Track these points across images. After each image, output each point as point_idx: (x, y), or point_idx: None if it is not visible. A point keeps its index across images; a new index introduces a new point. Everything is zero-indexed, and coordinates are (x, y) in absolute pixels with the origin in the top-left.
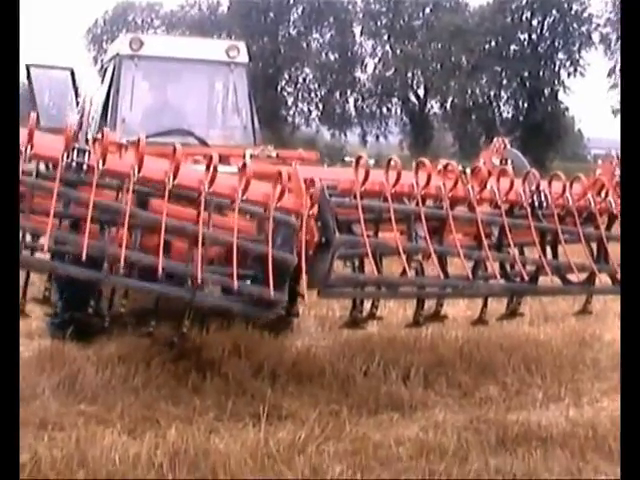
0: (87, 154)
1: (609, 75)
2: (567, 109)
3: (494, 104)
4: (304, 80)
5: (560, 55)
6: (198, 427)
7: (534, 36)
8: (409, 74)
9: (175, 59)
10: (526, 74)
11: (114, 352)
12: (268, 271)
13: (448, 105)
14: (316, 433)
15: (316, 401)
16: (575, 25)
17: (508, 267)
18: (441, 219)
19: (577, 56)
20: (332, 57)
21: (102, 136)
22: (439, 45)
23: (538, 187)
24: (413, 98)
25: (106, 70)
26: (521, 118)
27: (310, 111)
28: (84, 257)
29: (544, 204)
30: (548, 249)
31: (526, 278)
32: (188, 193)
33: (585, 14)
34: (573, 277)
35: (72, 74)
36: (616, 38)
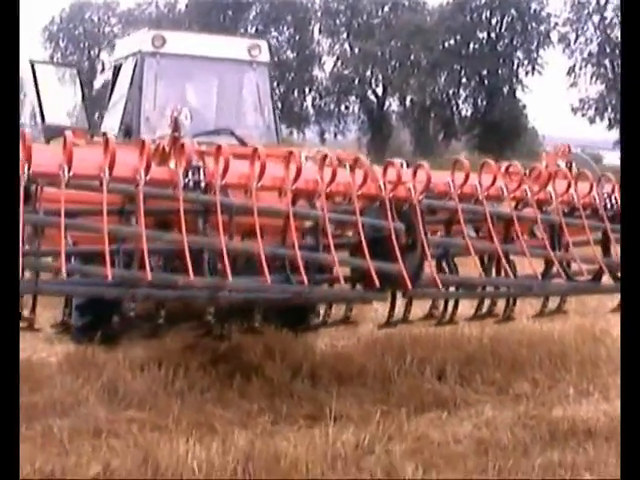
0: (202, 171)
1: (568, 74)
2: (525, 107)
3: (453, 102)
4: None
5: (519, 54)
6: (257, 431)
7: (493, 35)
8: (368, 72)
9: (198, 57)
10: (485, 72)
11: (144, 355)
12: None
13: (407, 103)
14: (379, 433)
15: (361, 401)
16: (533, 24)
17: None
18: (507, 219)
19: (535, 55)
20: (290, 55)
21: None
22: (398, 43)
23: (614, 190)
24: (372, 96)
25: (119, 67)
26: (479, 116)
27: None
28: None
29: (614, 206)
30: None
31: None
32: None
33: (543, 13)
34: None
35: (78, 72)
36: (575, 37)
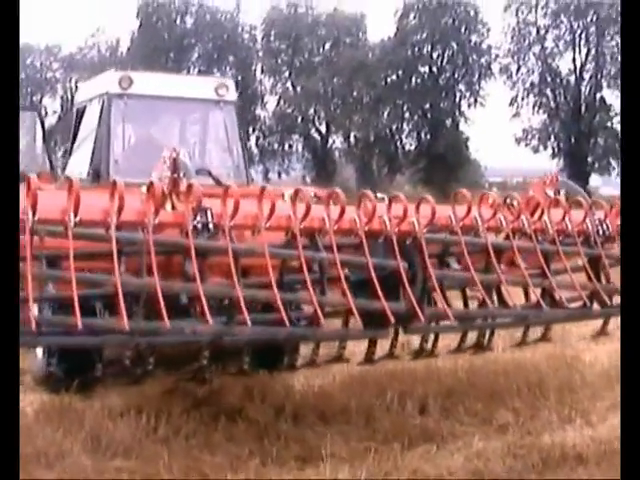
0: (210, 213)
1: (511, 104)
2: (468, 139)
3: (396, 137)
4: None
5: (461, 86)
6: (249, 475)
7: (435, 68)
8: (311, 110)
9: (166, 97)
10: (428, 106)
11: (122, 403)
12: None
13: (351, 140)
14: (375, 470)
15: (347, 439)
16: (474, 56)
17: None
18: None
19: (477, 87)
20: None
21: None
22: (340, 80)
23: (606, 216)
24: (315, 134)
25: (82, 110)
26: (423, 150)
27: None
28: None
29: (606, 232)
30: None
31: (588, 304)
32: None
33: (484, 45)
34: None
35: (39, 114)
36: (517, 68)
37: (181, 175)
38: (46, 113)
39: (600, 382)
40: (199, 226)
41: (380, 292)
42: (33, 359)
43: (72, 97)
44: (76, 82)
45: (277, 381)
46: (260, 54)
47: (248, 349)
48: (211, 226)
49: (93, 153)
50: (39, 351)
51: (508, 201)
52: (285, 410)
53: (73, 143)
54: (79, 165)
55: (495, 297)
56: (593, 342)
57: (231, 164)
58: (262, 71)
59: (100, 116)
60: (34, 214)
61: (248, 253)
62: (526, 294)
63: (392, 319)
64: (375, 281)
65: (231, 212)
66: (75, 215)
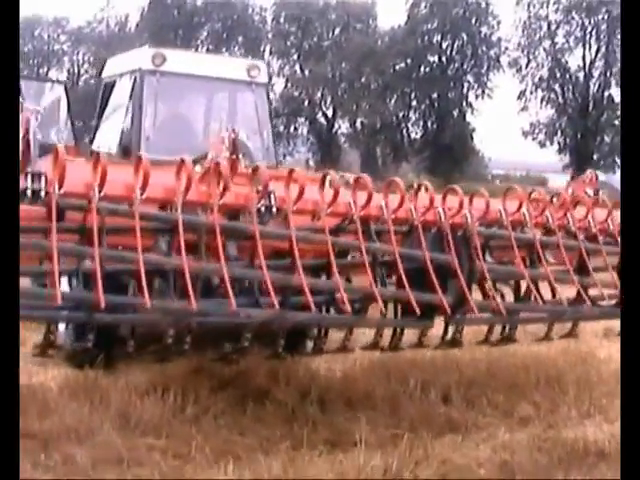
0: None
1: (519, 98)
2: (474, 130)
3: (403, 125)
4: None
5: (469, 77)
6: (282, 458)
7: (444, 58)
8: (318, 94)
9: (198, 76)
10: (435, 95)
11: (146, 381)
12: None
13: (357, 125)
14: (405, 458)
15: (375, 425)
16: (484, 48)
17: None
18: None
19: (485, 79)
20: None
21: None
22: (349, 66)
23: None
24: (321, 118)
25: (111, 85)
26: (429, 139)
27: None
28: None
29: None
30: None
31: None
32: None
33: (494, 38)
34: None
35: (65, 88)
36: (526, 62)
37: (240, 156)
38: (52, 86)
39: (615, 379)
40: (262, 209)
41: (431, 283)
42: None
43: (79, 70)
44: (84, 55)
45: (300, 365)
46: (269, 36)
47: (283, 333)
48: (274, 210)
49: (123, 129)
50: (61, 325)
51: (555, 198)
52: (311, 394)
53: (100, 118)
54: (107, 140)
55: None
56: (605, 339)
57: (261, 145)
58: (270, 53)
59: (132, 92)
60: (60, 187)
61: (310, 240)
62: (552, 289)
63: (449, 310)
64: (431, 272)
65: (295, 196)
66: (142, 192)
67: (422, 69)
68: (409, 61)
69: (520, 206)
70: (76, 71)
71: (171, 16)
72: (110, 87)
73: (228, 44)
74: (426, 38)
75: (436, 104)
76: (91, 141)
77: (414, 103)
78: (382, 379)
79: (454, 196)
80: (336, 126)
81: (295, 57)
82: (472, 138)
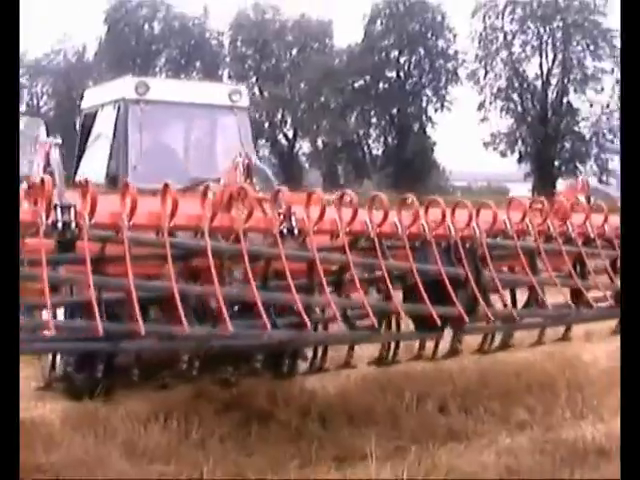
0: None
1: (478, 109)
2: (435, 144)
3: (364, 142)
4: None
5: (427, 91)
6: (294, 476)
7: (402, 74)
8: (278, 116)
9: (181, 103)
10: (395, 111)
11: (146, 408)
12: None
13: (318, 145)
14: (415, 469)
15: (378, 438)
16: (441, 61)
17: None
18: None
19: (443, 92)
20: None
21: None
22: (308, 86)
23: None
24: (282, 139)
25: (93, 115)
26: (390, 154)
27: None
28: None
29: None
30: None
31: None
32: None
33: (450, 51)
34: None
35: (45, 123)
36: (484, 73)
37: (254, 180)
38: None
39: (603, 380)
40: (284, 231)
41: (447, 295)
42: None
43: (38, 103)
44: (42, 87)
45: (295, 384)
46: (227, 59)
47: (288, 353)
48: (296, 231)
49: (110, 159)
50: (47, 359)
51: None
52: (311, 412)
53: (82, 149)
54: (91, 170)
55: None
56: (588, 342)
57: None
58: (229, 77)
59: (116, 121)
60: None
61: (331, 260)
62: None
63: (467, 319)
64: (447, 285)
65: (317, 217)
66: (171, 220)
67: (381, 85)
68: (367, 78)
69: (524, 216)
70: (35, 104)
71: (129, 45)
72: (91, 117)
73: (186, 70)
74: (383, 54)
75: (396, 119)
76: (74, 172)
77: (374, 120)
78: (377, 394)
79: (463, 209)
80: (297, 146)
81: (254, 80)
82: (433, 151)
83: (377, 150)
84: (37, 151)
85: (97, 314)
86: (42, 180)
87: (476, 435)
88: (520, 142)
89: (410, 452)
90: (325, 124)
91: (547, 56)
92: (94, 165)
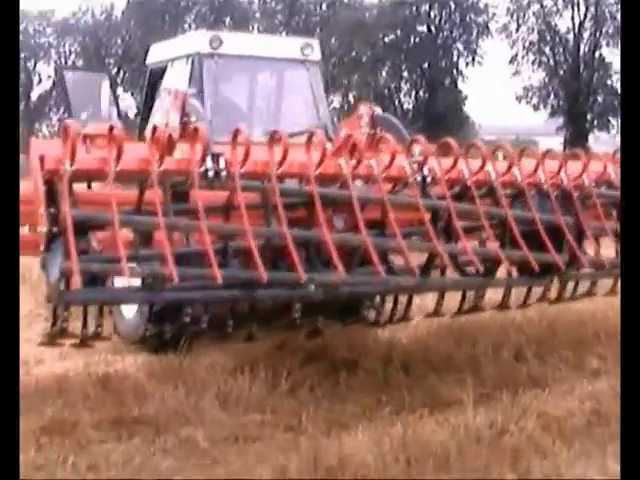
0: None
1: (511, 62)
2: (466, 98)
3: (395, 96)
4: None
5: (458, 45)
6: (387, 422)
7: (432, 28)
8: None
9: (253, 57)
10: (426, 65)
11: (229, 360)
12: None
13: (349, 99)
14: (508, 413)
15: (463, 386)
16: (472, 15)
17: None
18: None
19: (474, 46)
20: None
21: None
22: (338, 40)
23: None
24: None
25: (162, 70)
26: (422, 109)
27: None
28: None
29: None
30: None
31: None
32: None
33: (481, 4)
34: None
35: (110, 77)
36: (516, 27)
37: (377, 130)
38: (40, 79)
39: None
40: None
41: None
42: (120, 320)
43: (66, 62)
44: (70, 46)
45: (370, 335)
46: (257, 15)
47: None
48: (429, 179)
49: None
50: (128, 312)
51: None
52: (393, 361)
53: (149, 104)
54: (162, 125)
55: None
56: None
57: (318, 122)
58: (259, 32)
59: (190, 76)
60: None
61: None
62: None
63: (563, 268)
64: (568, 235)
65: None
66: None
67: (412, 40)
68: (398, 32)
69: (605, 167)
70: (63, 62)
71: (157, 1)
72: (158, 73)
73: (216, 26)
74: (414, 8)
75: (427, 74)
76: (142, 127)
77: (405, 74)
78: (451, 343)
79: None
80: (329, 100)
81: (284, 35)
82: (464, 105)
83: (408, 104)
84: (172, 102)
85: (259, 262)
86: (196, 129)
87: (555, 382)
88: (552, 96)
89: (496, 398)
90: (356, 78)
91: (579, 9)
92: (164, 120)
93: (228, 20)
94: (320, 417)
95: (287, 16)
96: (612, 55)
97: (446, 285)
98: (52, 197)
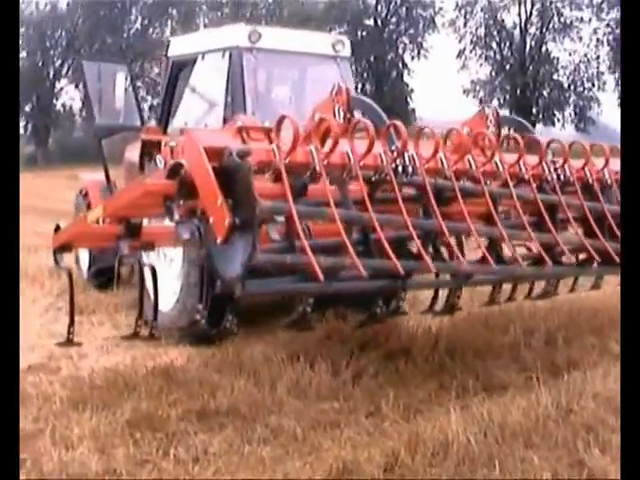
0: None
1: (458, 56)
2: (412, 91)
3: None
4: (149, 74)
5: (404, 39)
6: (456, 406)
7: (379, 21)
8: None
9: (289, 52)
10: (372, 59)
11: (282, 350)
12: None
13: None
14: (570, 393)
15: (510, 370)
16: (418, 10)
17: None
18: None
19: (420, 39)
20: None
21: None
22: None
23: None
24: None
25: (192, 63)
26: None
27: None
28: None
29: None
30: None
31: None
32: None
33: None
34: None
35: (128, 69)
36: (463, 22)
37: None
38: None
39: None
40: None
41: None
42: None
43: None
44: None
45: (406, 325)
46: (204, 7)
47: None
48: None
49: (225, 107)
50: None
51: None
52: (439, 348)
53: (169, 97)
54: (194, 119)
55: None
56: None
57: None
58: (205, 26)
59: (229, 70)
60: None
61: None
62: None
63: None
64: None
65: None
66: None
67: (359, 33)
68: (346, 26)
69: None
70: None
71: None
72: (182, 66)
73: (161, 19)
74: (361, 2)
75: (374, 67)
76: (163, 120)
77: (352, 67)
78: (485, 331)
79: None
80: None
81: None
82: (411, 99)
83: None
84: (334, 98)
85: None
86: (395, 125)
87: (590, 365)
88: (499, 90)
89: (544, 381)
90: None
91: (526, 4)
92: (197, 113)
93: (174, 12)
94: (397, 401)
95: (234, 9)
96: (557, 50)
97: (557, 273)
98: (231, 188)
